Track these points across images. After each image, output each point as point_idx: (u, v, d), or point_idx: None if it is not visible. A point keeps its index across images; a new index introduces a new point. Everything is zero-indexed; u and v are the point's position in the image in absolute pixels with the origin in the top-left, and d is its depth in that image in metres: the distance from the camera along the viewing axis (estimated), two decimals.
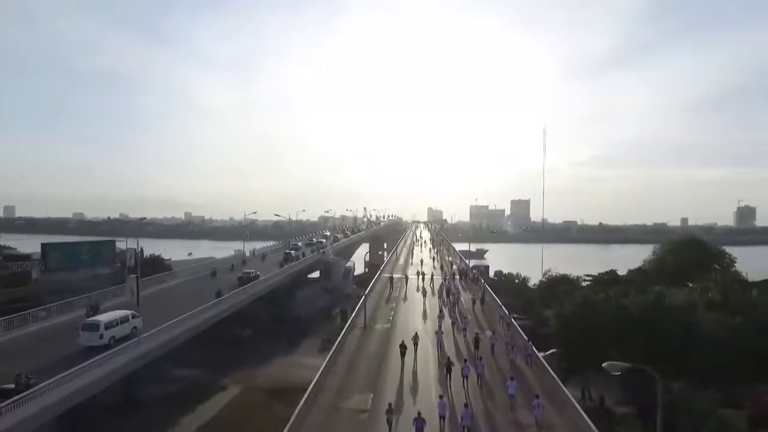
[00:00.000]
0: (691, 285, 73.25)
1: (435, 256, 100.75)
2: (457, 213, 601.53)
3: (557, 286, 65.89)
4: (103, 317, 33.47)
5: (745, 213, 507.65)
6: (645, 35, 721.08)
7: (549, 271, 72.23)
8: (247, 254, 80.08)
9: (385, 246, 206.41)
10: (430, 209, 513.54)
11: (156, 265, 65.68)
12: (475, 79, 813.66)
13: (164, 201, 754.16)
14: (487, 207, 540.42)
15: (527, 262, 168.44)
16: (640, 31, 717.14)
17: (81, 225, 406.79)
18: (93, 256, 56.89)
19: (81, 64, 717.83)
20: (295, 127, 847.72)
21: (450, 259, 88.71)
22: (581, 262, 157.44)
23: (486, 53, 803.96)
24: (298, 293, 66.35)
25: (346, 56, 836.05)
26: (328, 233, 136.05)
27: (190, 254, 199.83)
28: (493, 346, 33.92)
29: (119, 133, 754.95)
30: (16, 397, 21.46)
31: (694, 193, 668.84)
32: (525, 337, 35.54)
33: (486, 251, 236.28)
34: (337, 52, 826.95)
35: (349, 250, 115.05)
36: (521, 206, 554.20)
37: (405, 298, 51.84)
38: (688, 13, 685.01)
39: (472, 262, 74.69)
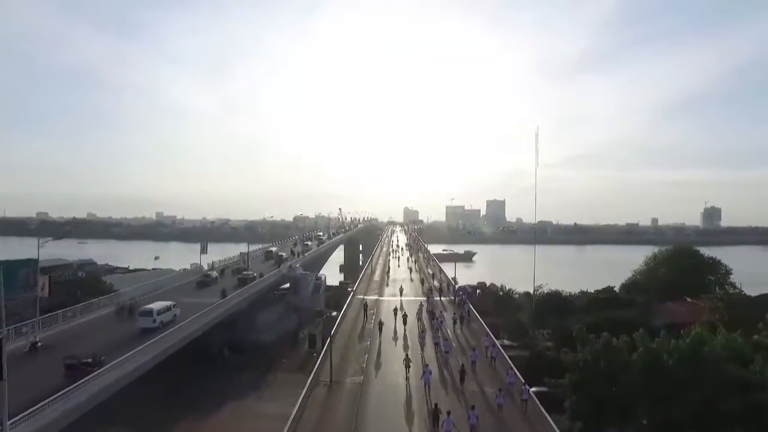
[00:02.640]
0: (689, 300, 68.30)
1: (413, 266, 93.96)
2: (433, 213, 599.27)
3: (551, 302, 59.76)
4: (155, 306, 41.53)
5: (712, 214, 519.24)
6: (614, 41, 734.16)
7: (541, 287, 65.66)
8: (206, 267, 71.18)
9: (361, 248, 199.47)
10: (406, 209, 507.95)
11: (93, 287, 56.24)
12: (450, 80, 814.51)
13: (135, 200, 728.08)
14: (462, 207, 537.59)
15: (509, 268, 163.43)
16: (610, 36, 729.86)
17: (42, 226, 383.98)
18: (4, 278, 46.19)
19: (47, 59, 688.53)
20: (269, 126, 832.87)
21: (431, 271, 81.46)
22: (563, 267, 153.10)
23: (460, 55, 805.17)
24: (260, 314, 58.09)
25: (321, 56, 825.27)
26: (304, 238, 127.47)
27: (156, 258, 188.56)
28: (474, 363, 32.80)
29: (88, 130, 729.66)
30: (100, 370, 28.27)
31: (662, 193, 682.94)
32: (521, 378, 29.74)
33: (474, 254, 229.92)
34: (311, 52, 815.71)
35: (323, 258, 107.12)
36: (496, 206, 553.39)
37: (380, 343, 39.06)
38: (656, 20, 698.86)
39: (459, 269, 65.92)
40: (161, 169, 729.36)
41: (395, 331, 42.73)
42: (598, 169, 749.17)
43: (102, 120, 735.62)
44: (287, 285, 72.30)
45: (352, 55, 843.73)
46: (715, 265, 77.33)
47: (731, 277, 76.31)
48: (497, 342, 41.44)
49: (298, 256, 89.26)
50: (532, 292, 71.43)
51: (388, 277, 70.43)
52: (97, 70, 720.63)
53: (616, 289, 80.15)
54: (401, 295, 58.29)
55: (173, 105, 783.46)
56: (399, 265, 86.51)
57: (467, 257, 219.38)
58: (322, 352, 31.81)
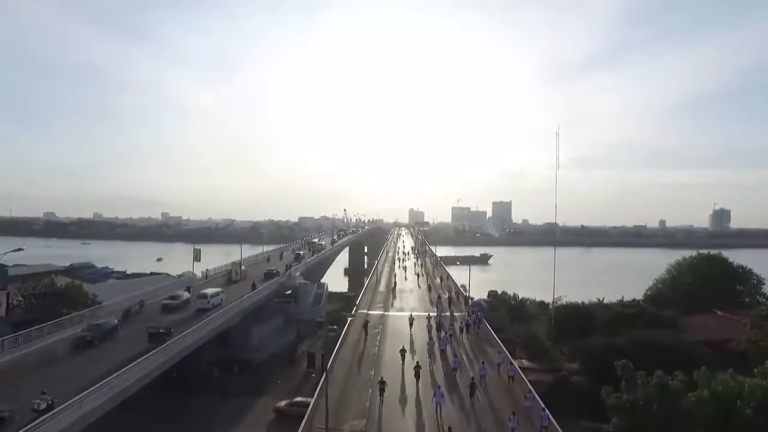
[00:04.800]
0: (720, 313, 63.17)
1: (420, 271, 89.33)
2: (438, 214, 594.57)
3: (571, 317, 54.69)
4: (208, 291, 49.88)
5: (721, 215, 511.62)
6: (621, 41, 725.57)
7: (559, 299, 60.64)
8: (199, 275, 66.70)
9: (366, 250, 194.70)
10: (411, 210, 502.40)
11: (72, 298, 51.39)
12: (455, 80, 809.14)
13: (141, 200, 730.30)
14: (468, 208, 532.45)
15: (520, 273, 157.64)
16: (617, 36, 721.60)
17: (48, 226, 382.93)
18: None
19: (53, 58, 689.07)
20: (273, 126, 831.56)
21: (439, 280, 76.45)
22: (574, 271, 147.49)
23: (465, 55, 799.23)
24: (254, 328, 53.37)
25: (326, 55, 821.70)
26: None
27: (159, 260, 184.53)
28: (483, 377, 31.80)
29: (95, 130, 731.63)
30: (175, 338, 36.73)
31: (669, 195, 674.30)
32: (541, 403, 27.31)
33: (490, 256, 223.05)
34: (316, 51, 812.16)
35: (326, 263, 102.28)
36: (503, 208, 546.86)
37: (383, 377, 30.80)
38: (663, 20, 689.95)
39: (473, 274, 59.75)
40: (167, 169, 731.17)
41: (403, 392, 30.39)
42: (603, 169, 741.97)
43: (108, 120, 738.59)
44: (289, 291, 67.60)
45: (357, 55, 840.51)
46: (745, 273, 71.97)
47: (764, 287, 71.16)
48: (513, 360, 37.35)
49: (313, 254, 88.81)
50: (550, 304, 66.50)
51: (393, 295, 60.75)
52: (103, 70, 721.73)
53: (634, 297, 75.44)
54: (411, 326, 45.00)
55: (178, 105, 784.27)
56: (406, 277, 78.56)
57: (483, 260, 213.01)
58: (317, 391, 26.97)
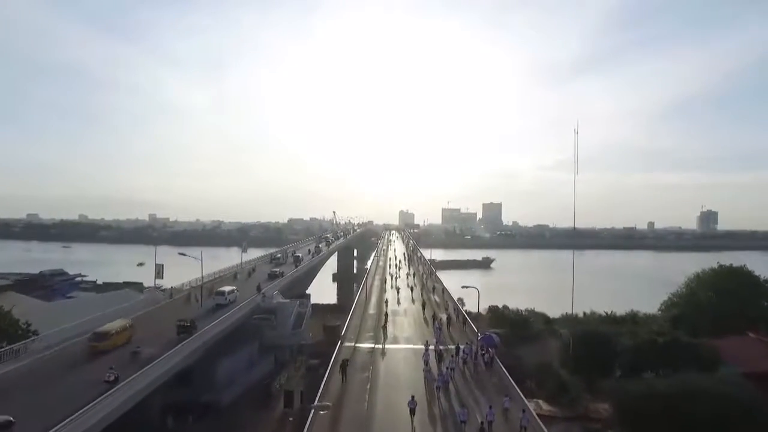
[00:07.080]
0: (754, 335, 56.50)
1: (413, 282, 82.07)
2: (429, 216, 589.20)
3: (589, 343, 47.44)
4: (225, 289, 54.76)
5: (708, 217, 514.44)
6: (613, 43, 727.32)
7: (574, 316, 53.46)
8: (165, 288, 58.61)
9: (356, 254, 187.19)
10: (401, 212, 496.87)
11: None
12: (446, 82, 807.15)
13: (128, 201, 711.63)
14: (458, 210, 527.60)
15: (517, 279, 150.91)
16: (608, 38, 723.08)
17: (28, 228, 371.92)
18: None
19: (41, 56, 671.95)
20: (263, 127, 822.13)
21: (437, 299, 68.88)
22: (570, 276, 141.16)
23: (458, 56, 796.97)
24: (222, 362, 45.02)
25: (318, 57, 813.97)
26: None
27: (140, 264, 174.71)
28: (491, 423, 27.54)
29: (82, 130, 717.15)
30: (200, 332, 40.51)
31: (658, 196, 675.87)
32: None
33: (492, 260, 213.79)
34: (309, 52, 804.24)
35: (312, 272, 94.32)
36: (493, 209, 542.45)
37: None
38: (653, 23, 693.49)
39: (474, 275, 51.71)
40: (156, 170, 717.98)
41: None
42: (593, 171, 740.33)
43: (99, 120, 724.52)
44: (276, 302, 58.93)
45: (349, 57, 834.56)
46: None
47: None
48: (528, 403, 30.20)
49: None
50: (553, 318, 59.29)
51: (385, 334, 48.79)
52: (93, 70, 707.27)
53: (650, 313, 69.01)
54: (412, 415, 28.92)
55: (169, 105, 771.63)
56: (399, 301, 67.30)
57: (485, 264, 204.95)
58: None
